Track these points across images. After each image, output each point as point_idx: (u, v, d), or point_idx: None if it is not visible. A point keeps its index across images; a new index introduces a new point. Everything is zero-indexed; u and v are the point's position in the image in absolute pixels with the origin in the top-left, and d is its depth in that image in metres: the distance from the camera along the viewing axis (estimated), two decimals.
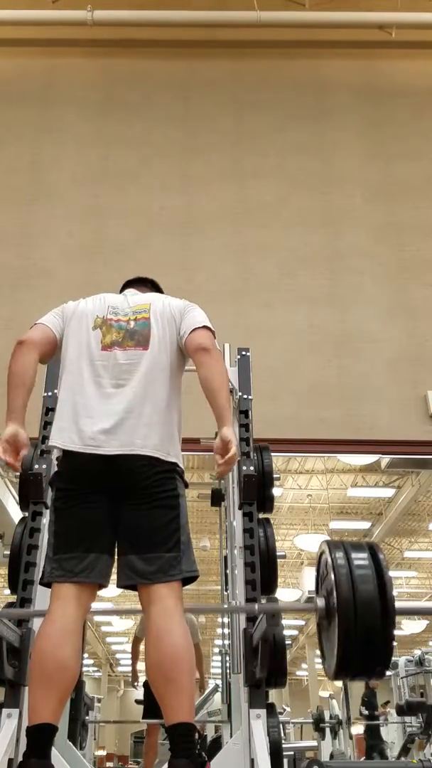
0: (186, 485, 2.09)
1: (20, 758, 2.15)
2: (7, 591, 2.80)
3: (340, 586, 1.80)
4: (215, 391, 2.05)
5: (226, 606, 3.75)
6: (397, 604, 1.82)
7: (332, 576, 1.84)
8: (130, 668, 5.54)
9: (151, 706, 5.12)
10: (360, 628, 1.76)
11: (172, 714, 1.77)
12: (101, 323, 2.20)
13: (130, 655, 5.90)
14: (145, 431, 1.99)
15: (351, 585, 1.79)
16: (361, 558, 1.87)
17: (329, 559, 1.90)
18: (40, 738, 1.75)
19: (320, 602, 1.94)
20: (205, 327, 2.22)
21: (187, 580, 1.96)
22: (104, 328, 2.18)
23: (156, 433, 2.01)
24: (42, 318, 2.31)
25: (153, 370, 2.09)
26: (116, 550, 1.99)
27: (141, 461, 1.96)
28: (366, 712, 9.38)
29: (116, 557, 1.99)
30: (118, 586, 1.98)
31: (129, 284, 2.51)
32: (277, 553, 2.92)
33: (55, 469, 2.11)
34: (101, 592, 2.22)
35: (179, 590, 1.93)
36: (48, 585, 1.96)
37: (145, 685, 5.15)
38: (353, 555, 1.87)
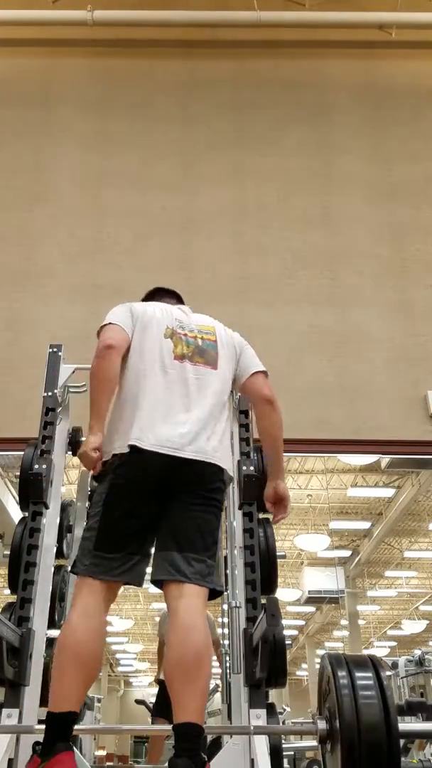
0: None
1: (21, 758, 2.15)
2: (7, 591, 2.80)
3: (343, 710, 1.77)
4: (278, 444, 2.32)
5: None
6: (401, 726, 1.82)
7: (335, 698, 1.81)
8: (147, 671, 5.55)
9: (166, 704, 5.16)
10: (365, 755, 1.73)
11: (184, 712, 1.77)
12: (171, 333, 2.27)
13: (131, 655, 5.90)
14: (216, 444, 2.12)
15: (355, 709, 1.76)
16: (364, 677, 1.83)
17: (332, 678, 1.87)
18: (66, 724, 1.79)
19: (322, 724, 1.93)
20: (265, 372, 2.39)
21: (214, 594, 2.02)
22: (174, 338, 2.26)
23: (223, 448, 2.16)
24: (114, 317, 2.30)
25: (220, 392, 2.23)
26: (155, 545, 2.06)
27: (212, 468, 2.08)
28: None
29: (154, 552, 2.06)
30: (153, 579, 2.03)
31: (160, 293, 2.60)
32: (277, 553, 2.92)
33: (112, 461, 2.09)
34: None
35: (206, 597, 1.99)
36: (78, 574, 2.02)
37: (161, 683, 5.17)
38: (357, 674, 1.83)
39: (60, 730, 1.78)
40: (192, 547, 1.98)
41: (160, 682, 5.16)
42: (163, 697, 5.19)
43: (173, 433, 2.05)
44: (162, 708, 5.12)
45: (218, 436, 2.13)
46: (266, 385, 2.35)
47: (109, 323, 2.27)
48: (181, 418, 2.09)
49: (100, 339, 2.21)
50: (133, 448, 2.02)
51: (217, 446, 2.10)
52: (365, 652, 18.37)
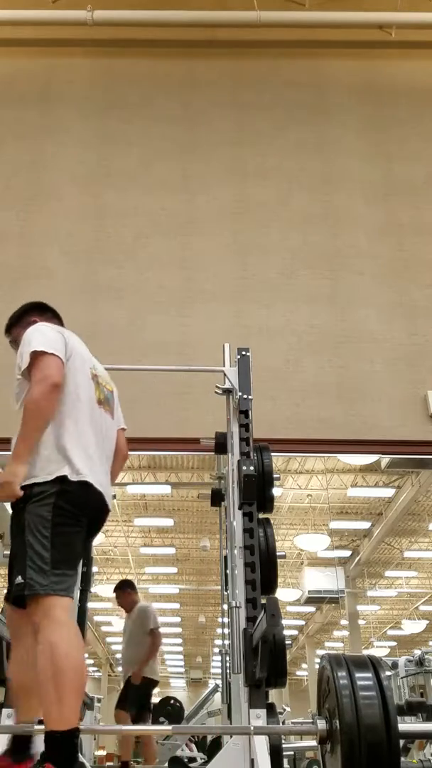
0: None
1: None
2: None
3: (343, 711, 1.77)
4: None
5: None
6: (401, 727, 1.79)
7: (335, 698, 1.81)
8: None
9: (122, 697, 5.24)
10: (365, 755, 1.73)
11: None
12: (93, 376, 2.42)
13: None
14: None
15: (355, 710, 1.76)
16: (364, 678, 1.83)
17: (331, 678, 1.86)
18: (75, 742, 1.89)
19: (322, 725, 1.93)
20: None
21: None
22: (95, 381, 2.42)
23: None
24: (51, 345, 2.26)
25: (113, 441, 2.49)
26: None
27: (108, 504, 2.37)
28: None
29: None
30: None
31: (47, 313, 2.65)
32: (277, 553, 2.92)
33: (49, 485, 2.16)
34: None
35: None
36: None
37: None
38: (356, 674, 1.84)
39: (74, 748, 1.88)
40: None
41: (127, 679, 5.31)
42: (125, 692, 5.27)
43: (104, 479, 2.32)
44: (121, 701, 5.25)
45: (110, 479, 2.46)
46: (126, 445, 2.64)
47: (51, 354, 2.22)
48: (106, 467, 2.38)
49: (45, 373, 2.17)
50: (83, 482, 2.19)
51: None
52: (365, 652, 18.37)
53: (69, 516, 2.12)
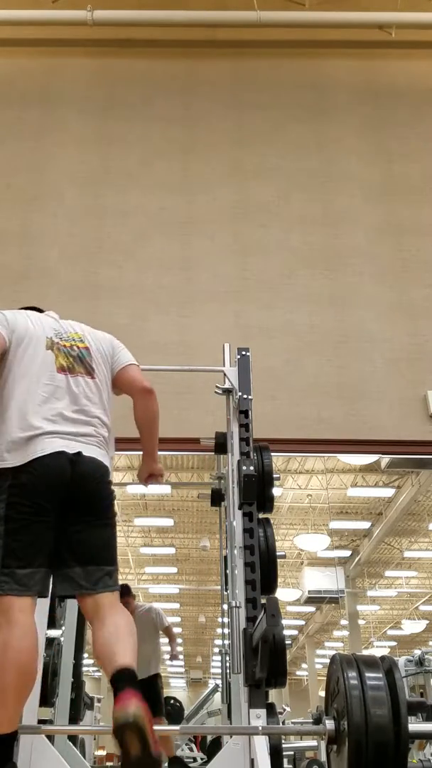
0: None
1: (21, 758, 2.16)
2: None
3: (352, 712, 1.73)
4: (154, 430, 2.44)
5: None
6: (411, 728, 1.74)
7: (344, 698, 1.77)
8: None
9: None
10: (371, 757, 1.70)
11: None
12: (51, 344, 2.23)
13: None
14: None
15: (364, 710, 1.72)
16: (374, 678, 1.78)
17: (341, 678, 1.83)
18: (10, 745, 1.79)
19: (330, 725, 1.90)
20: (137, 365, 2.44)
21: None
22: (54, 349, 2.23)
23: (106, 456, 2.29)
24: None
25: (100, 400, 2.25)
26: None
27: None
28: None
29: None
30: None
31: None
32: (277, 553, 2.92)
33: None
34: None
35: None
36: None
37: None
38: (366, 674, 1.79)
39: (6, 752, 1.78)
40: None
41: None
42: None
43: (71, 445, 2.06)
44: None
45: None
46: (141, 377, 2.38)
47: None
48: (81, 429, 2.11)
49: None
50: (13, 468, 1.98)
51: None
52: (365, 652, 18.36)
53: (15, 507, 1.94)
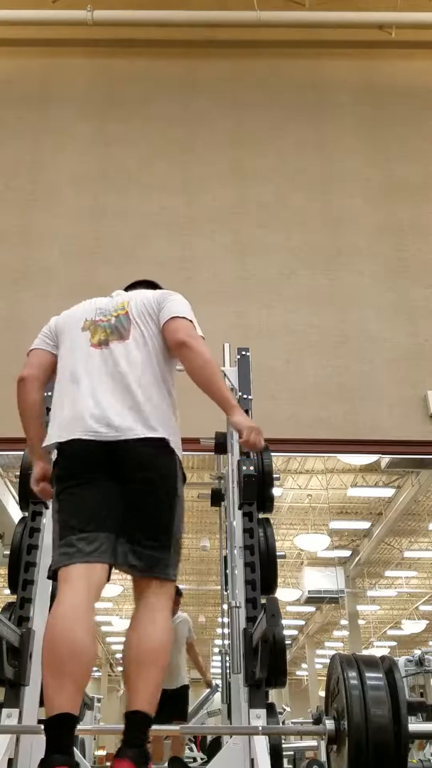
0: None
1: (21, 758, 2.15)
2: (7, 591, 2.80)
3: (352, 712, 1.72)
4: (209, 384, 2.05)
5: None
6: (411, 728, 1.72)
7: (344, 698, 1.77)
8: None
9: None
10: (371, 757, 1.69)
11: (136, 700, 1.76)
12: (89, 325, 2.23)
13: None
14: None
15: (363, 710, 1.71)
16: (374, 678, 1.77)
17: (341, 678, 1.83)
18: (60, 730, 1.63)
19: (330, 725, 1.89)
20: (183, 318, 2.16)
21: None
22: (92, 328, 2.22)
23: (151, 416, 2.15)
24: (35, 341, 2.33)
25: (136, 361, 2.10)
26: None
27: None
28: None
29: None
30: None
31: (133, 286, 2.51)
32: (277, 553, 2.92)
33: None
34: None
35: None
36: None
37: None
38: (367, 674, 1.78)
39: (54, 737, 1.62)
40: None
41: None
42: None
43: (97, 413, 2.00)
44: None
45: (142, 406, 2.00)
46: (179, 329, 2.11)
47: (30, 350, 2.31)
48: (114, 398, 2.02)
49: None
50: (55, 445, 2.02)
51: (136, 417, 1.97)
52: (365, 652, 18.35)
53: (64, 478, 1.95)
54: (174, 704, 5.16)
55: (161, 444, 1.97)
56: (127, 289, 2.48)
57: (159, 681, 1.80)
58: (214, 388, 2.04)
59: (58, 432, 2.00)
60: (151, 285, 2.48)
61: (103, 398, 2.00)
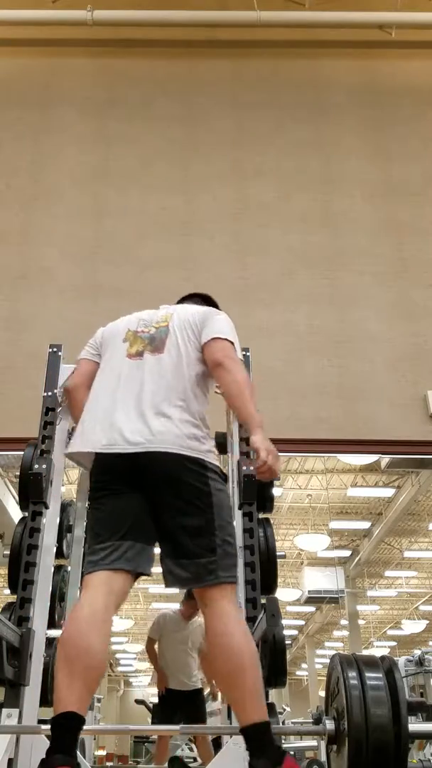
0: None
1: (21, 758, 2.15)
2: (7, 591, 2.80)
3: (351, 712, 1.72)
4: (236, 404, 2.10)
5: None
6: (411, 728, 1.73)
7: (344, 698, 1.77)
8: (148, 671, 5.60)
9: (165, 714, 5.13)
10: (371, 758, 1.69)
11: (243, 715, 1.77)
12: (131, 336, 2.30)
13: (131, 655, 5.87)
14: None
15: (364, 710, 1.71)
16: (374, 678, 1.77)
17: (341, 678, 1.83)
18: (65, 728, 1.64)
19: (330, 725, 1.89)
20: (223, 339, 2.20)
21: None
22: (132, 339, 2.28)
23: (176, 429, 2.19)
24: (83, 351, 2.44)
25: (165, 372, 2.15)
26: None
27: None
28: None
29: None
30: None
31: (185, 299, 2.65)
32: (277, 553, 2.92)
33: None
34: None
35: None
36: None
37: (163, 694, 5.17)
38: (367, 674, 1.78)
39: (58, 737, 1.63)
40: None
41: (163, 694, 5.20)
42: (163, 707, 5.17)
43: (125, 426, 2.04)
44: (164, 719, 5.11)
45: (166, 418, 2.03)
46: (219, 350, 2.15)
47: (78, 359, 2.43)
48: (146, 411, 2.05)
49: None
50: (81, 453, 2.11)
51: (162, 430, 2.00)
52: (365, 652, 18.35)
53: (94, 490, 2.04)
54: (191, 706, 5.13)
55: (185, 455, 1.99)
56: (181, 301, 2.61)
57: (256, 683, 1.80)
58: (238, 403, 2.08)
59: (81, 443, 2.09)
60: (204, 298, 2.64)
61: (132, 409, 2.04)
